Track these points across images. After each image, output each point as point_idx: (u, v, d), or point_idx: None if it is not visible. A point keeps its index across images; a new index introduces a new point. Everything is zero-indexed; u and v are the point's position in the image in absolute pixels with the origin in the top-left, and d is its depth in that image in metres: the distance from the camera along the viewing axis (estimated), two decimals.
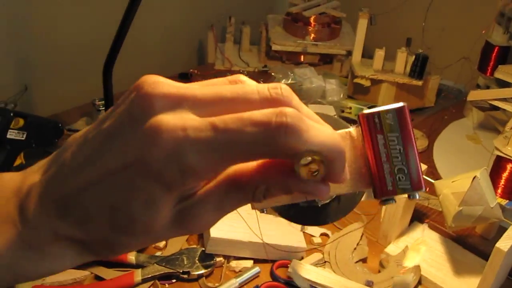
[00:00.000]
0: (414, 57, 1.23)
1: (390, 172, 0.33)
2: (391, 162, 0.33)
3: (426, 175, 0.81)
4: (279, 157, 0.30)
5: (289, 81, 1.21)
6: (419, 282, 0.83)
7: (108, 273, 0.79)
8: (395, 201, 0.34)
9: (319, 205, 0.40)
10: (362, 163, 0.34)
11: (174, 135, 0.28)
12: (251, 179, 0.32)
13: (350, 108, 1.21)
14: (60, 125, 1.00)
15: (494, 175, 0.85)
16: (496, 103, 1.12)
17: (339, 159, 0.30)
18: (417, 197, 0.34)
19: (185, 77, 1.39)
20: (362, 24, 1.27)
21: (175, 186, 0.29)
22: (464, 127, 1.28)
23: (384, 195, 0.34)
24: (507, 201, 0.85)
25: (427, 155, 1.14)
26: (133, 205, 0.30)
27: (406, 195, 0.34)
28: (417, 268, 0.82)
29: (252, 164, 0.32)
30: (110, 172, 0.30)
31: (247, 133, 0.28)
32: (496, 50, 1.21)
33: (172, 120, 0.28)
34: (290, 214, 0.40)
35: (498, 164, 0.85)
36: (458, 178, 0.77)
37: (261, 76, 1.42)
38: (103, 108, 1.06)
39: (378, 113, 0.33)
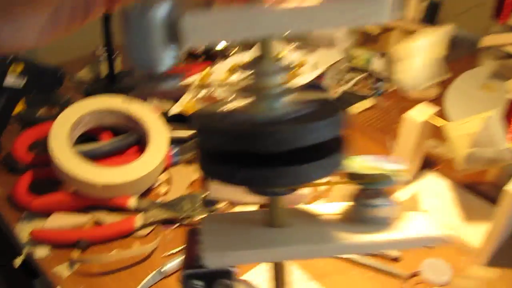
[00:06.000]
0: (429, 1, 1.17)
1: None
2: None
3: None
4: None
5: None
6: None
7: (108, 218, 0.78)
8: None
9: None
10: None
11: None
12: None
13: (357, 57, 1.17)
14: (61, 72, 0.97)
15: (507, 119, 0.82)
16: (510, 48, 1.07)
17: None
18: None
19: None
20: None
21: None
22: (478, 77, 1.23)
23: None
24: None
25: (438, 103, 1.10)
26: None
27: None
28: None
29: None
30: None
31: None
32: None
33: None
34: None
35: (511, 107, 0.81)
36: (469, 119, 0.74)
37: None
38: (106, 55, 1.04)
39: None
